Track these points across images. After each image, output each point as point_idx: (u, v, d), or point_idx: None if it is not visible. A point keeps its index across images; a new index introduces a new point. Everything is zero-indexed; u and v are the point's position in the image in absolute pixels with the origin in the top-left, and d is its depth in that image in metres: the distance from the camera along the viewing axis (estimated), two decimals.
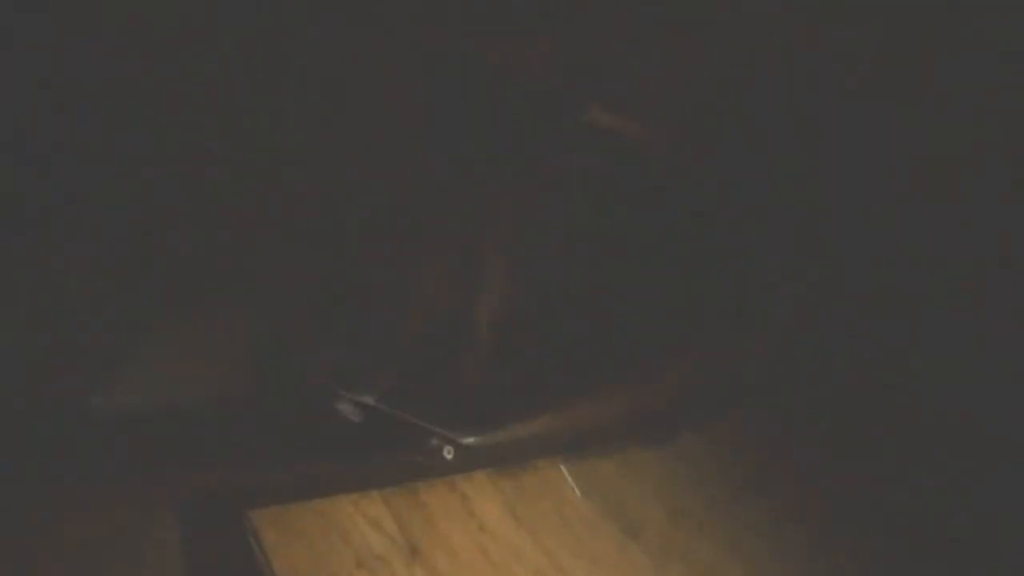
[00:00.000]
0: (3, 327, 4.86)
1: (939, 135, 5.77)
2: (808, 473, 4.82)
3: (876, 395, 5.14)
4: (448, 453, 4.65)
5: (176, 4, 5.29)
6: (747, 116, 5.92)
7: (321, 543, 4.17)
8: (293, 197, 5.46)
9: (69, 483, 4.32)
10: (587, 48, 5.53)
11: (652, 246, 5.61)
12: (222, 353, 5.22)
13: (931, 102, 5.80)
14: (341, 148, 5.35)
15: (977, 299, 5.56)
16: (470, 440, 4.66)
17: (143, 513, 4.18)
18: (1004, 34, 5.54)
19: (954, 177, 5.72)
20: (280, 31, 5.48)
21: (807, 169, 5.88)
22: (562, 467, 4.61)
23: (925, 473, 4.77)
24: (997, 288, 5.59)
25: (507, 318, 4.78)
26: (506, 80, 4.72)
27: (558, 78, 5.10)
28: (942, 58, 5.70)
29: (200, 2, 5.33)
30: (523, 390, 4.72)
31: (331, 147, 5.37)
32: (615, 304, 5.38)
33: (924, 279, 5.81)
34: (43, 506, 4.20)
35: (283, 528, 4.16)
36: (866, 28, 5.76)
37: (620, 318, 5.40)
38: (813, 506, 4.66)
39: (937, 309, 5.61)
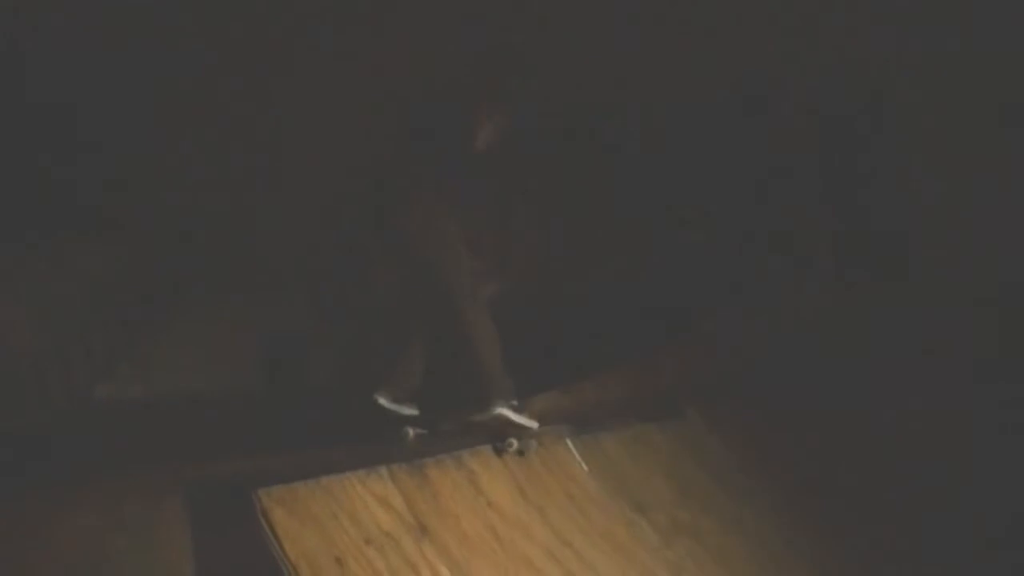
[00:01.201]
0: (13, 318, 4.91)
1: (941, 134, 5.85)
2: (812, 452, 4.84)
3: (874, 379, 5.20)
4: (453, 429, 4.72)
5: (177, 5, 5.40)
6: (747, 113, 6.01)
7: (330, 521, 4.12)
8: (298, 194, 5.54)
9: (76, 473, 4.34)
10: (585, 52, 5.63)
11: (656, 235, 5.69)
12: (229, 345, 5.28)
13: (933, 102, 5.89)
14: (340, 147, 5.43)
15: (965, 291, 5.63)
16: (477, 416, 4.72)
17: (151, 502, 4.20)
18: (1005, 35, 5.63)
19: (955, 176, 5.80)
20: (284, 35, 5.58)
21: (802, 168, 5.97)
22: (568, 443, 4.65)
23: (920, 454, 4.82)
24: (987, 282, 5.67)
25: (517, 301, 4.82)
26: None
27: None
28: (943, 60, 5.80)
29: (200, 4, 5.44)
30: (530, 368, 4.74)
31: (331, 145, 5.45)
32: (620, 288, 5.45)
33: (918, 271, 5.90)
34: (51, 495, 4.24)
35: (292, 507, 4.12)
36: (870, 31, 5.87)
37: (626, 301, 5.47)
38: (817, 483, 4.68)
39: (925, 297, 5.69)
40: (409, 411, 4.71)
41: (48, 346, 4.88)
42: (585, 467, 4.57)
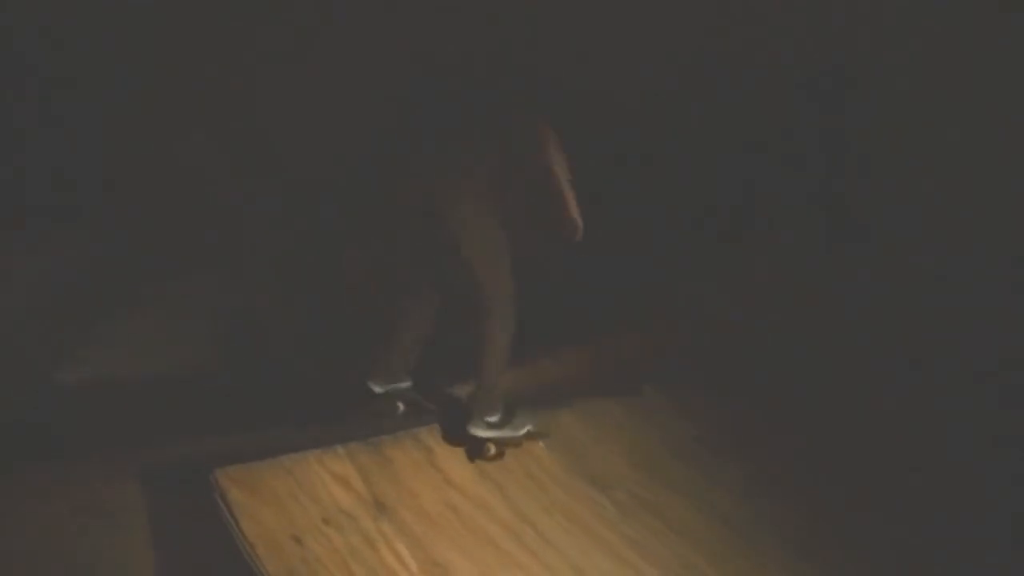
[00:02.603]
0: None
1: (939, 127, 5.83)
2: (772, 426, 4.85)
3: (838, 359, 5.24)
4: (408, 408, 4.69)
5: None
6: (743, 103, 5.97)
7: (288, 501, 4.10)
8: (271, 179, 5.47)
9: (36, 458, 4.27)
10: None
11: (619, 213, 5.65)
12: (186, 326, 5.22)
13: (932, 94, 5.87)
14: (325, 133, 5.35)
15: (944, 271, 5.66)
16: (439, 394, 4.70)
17: (110, 484, 4.14)
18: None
19: (955, 169, 5.80)
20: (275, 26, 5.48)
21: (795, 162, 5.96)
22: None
23: (883, 428, 4.86)
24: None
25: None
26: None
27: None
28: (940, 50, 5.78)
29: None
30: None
31: (315, 132, 5.37)
32: (582, 264, 5.41)
33: (887, 248, 5.92)
34: (11, 481, 4.16)
35: (250, 487, 4.08)
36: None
37: (587, 277, 5.44)
38: (779, 457, 4.69)
39: (889, 273, 5.73)
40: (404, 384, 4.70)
41: (4, 332, 4.80)
42: (541, 444, 4.57)
